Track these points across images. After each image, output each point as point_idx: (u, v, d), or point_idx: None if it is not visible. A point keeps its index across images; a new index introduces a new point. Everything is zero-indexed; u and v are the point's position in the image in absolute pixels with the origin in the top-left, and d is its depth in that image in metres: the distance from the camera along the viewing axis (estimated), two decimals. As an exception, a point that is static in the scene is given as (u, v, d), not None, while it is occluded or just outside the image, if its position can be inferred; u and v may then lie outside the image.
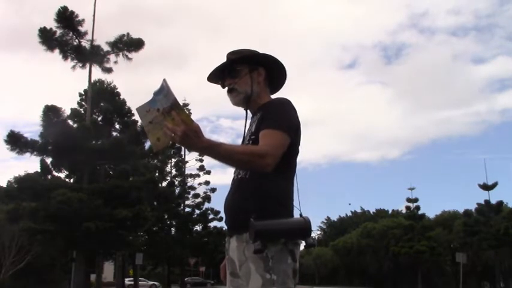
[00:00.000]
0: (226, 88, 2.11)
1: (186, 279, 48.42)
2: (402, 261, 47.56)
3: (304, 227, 1.76)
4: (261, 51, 2.12)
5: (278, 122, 1.89)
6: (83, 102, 26.22)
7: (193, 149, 1.71)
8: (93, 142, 21.53)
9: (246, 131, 2.08)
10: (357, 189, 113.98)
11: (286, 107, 1.98)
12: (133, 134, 22.76)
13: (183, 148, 40.55)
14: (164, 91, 1.63)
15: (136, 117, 26.20)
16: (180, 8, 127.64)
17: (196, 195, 41.63)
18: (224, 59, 2.10)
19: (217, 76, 2.13)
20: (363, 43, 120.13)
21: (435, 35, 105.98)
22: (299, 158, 2.04)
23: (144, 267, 49.29)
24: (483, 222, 37.31)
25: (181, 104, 1.65)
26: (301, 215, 1.83)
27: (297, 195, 1.97)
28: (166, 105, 1.63)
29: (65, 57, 21.24)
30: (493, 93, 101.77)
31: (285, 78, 2.18)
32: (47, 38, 20.53)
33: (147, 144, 24.05)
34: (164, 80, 1.63)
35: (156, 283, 44.76)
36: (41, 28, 20.46)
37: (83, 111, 25.79)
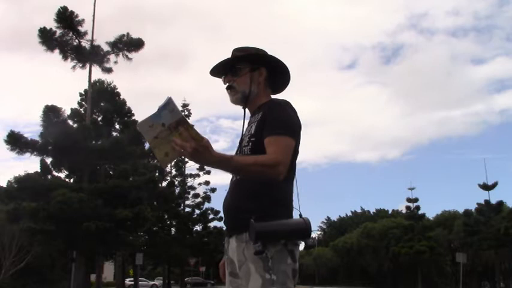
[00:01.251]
0: (226, 85, 2.11)
1: (186, 279, 48.42)
2: (402, 261, 47.52)
3: (304, 228, 1.76)
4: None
5: (282, 126, 1.88)
6: (83, 102, 26.17)
7: (204, 164, 1.70)
8: (93, 142, 21.53)
9: (245, 131, 2.07)
10: (357, 189, 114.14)
11: (286, 109, 1.97)
12: (133, 134, 22.72)
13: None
14: (169, 107, 1.61)
15: (136, 117, 26.37)
16: (179, 9, 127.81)
17: (196, 195, 41.63)
18: (224, 59, 2.10)
19: (220, 71, 2.12)
20: (362, 44, 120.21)
21: (435, 36, 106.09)
22: (299, 158, 2.04)
23: (144, 267, 49.29)
24: (483, 222, 37.25)
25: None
26: (300, 215, 1.82)
27: (296, 196, 1.97)
28: (173, 121, 1.61)
29: (65, 57, 21.25)
30: (492, 93, 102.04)
31: (288, 80, 2.17)
32: (47, 38, 20.52)
33: (147, 144, 24.02)
34: (170, 97, 1.62)
35: (157, 283, 44.77)
36: (41, 28, 20.45)
37: (83, 111, 25.75)
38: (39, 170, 22.06)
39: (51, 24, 20.73)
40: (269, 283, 1.77)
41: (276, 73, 2.12)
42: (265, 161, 1.79)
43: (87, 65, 21.49)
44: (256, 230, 1.72)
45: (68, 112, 23.38)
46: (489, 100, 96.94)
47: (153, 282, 45.15)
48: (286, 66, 2.11)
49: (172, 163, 42.09)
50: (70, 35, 21.15)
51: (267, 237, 1.74)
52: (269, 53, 2.12)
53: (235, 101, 2.09)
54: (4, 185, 28.48)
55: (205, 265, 51.08)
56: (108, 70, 22.06)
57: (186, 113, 41.36)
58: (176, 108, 1.61)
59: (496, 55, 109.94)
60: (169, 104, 1.61)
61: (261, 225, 1.73)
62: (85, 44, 21.45)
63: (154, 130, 1.65)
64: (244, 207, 1.88)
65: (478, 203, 39.02)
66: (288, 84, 2.18)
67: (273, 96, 2.14)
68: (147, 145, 24.20)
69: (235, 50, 2.10)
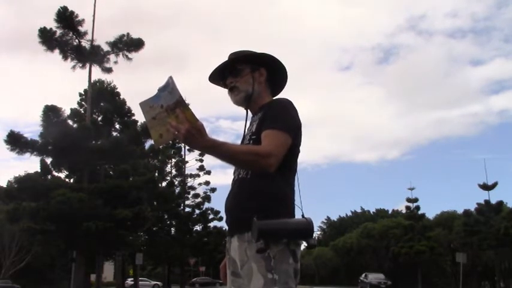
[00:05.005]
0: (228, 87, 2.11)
1: (194, 279, 48.57)
2: (402, 261, 47.49)
3: (306, 227, 1.75)
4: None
5: (280, 122, 1.89)
6: (83, 102, 26.17)
7: (196, 147, 1.71)
8: (93, 142, 21.52)
9: (246, 130, 2.07)
10: (356, 189, 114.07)
11: (287, 107, 1.98)
12: (133, 134, 22.75)
13: (183, 148, 40.58)
14: (169, 88, 1.63)
15: (136, 117, 26.36)
16: (180, 11, 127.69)
17: (196, 195, 41.65)
18: (223, 62, 2.10)
19: (219, 77, 2.13)
20: (361, 45, 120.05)
21: (433, 37, 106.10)
22: (299, 159, 2.03)
23: (144, 267, 49.29)
24: (483, 222, 37.23)
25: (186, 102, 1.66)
26: (303, 215, 1.82)
27: (298, 196, 1.96)
28: (171, 102, 1.63)
29: (65, 57, 21.25)
30: (491, 94, 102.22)
31: (286, 79, 2.18)
32: (47, 38, 20.53)
33: (147, 144, 24.05)
34: (170, 77, 1.64)
35: (158, 283, 44.79)
36: (41, 28, 20.46)
37: (83, 111, 25.75)
38: (39, 170, 22.08)
39: (51, 24, 20.77)
40: (271, 283, 1.77)
41: (275, 74, 2.13)
42: (257, 150, 1.81)
43: (87, 65, 21.50)
44: (258, 228, 1.71)
45: (68, 112, 23.41)
46: (487, 101, 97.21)
47: (155, 282, 45.13)
48: (283, 64, 2.12)
49: (173, 163, 42.14)
50: (70, 35, 21.17)
51: (269, 235, 1.73)
52: (264, 52, 2.11)
53: (238, 101, 2.09)
54: (4, 185, 28.57)
55: (205, 265, 51.08)
56: (108, 70, 22.08)
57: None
58: (175, 89, 1.62)
59: (495, 56, 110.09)
60: (168, 85, 1.63)
61: (263, 223, 1.72)
62: (85, 44, 21.49)
63: (153, 111, 1.67)
64: (246, 206, 1.88)
65: (478, 203, 39.02)
66: (285, 84, 2.19)
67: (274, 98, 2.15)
68: (147, 145, 24.26)
69: (232, 54, 2.10)
